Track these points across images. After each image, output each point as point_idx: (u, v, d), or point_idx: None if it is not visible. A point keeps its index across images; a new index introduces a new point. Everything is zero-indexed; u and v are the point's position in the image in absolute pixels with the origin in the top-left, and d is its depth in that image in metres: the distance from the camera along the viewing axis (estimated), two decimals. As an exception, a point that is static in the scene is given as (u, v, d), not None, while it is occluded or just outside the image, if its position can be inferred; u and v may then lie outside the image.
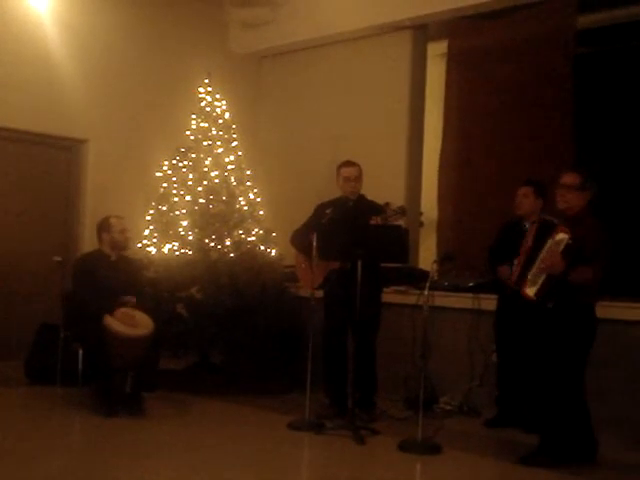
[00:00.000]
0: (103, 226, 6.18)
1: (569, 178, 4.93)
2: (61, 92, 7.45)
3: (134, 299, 5.94)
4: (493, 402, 6.01)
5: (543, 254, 4.86)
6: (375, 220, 5.61)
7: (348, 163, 6.18)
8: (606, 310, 5.28)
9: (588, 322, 4.86)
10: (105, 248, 6.18)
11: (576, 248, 4.70)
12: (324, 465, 5.03)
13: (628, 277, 6.78)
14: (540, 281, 4.86)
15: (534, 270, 4.90)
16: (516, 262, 5.14)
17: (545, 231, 4.93)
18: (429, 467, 4.96)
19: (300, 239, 6.05)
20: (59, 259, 6.79)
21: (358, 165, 6.16)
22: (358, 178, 6.12)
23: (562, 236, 4.78)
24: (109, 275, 6.00)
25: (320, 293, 6.00)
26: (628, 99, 7.62)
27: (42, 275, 7.33)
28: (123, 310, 5.80)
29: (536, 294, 4.88)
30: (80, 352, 6.13)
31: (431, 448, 5.10)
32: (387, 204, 5.89)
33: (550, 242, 4.84)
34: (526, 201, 5.76)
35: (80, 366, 6.15)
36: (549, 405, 4.91)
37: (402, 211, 5.65)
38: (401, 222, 5.75)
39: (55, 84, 7.43)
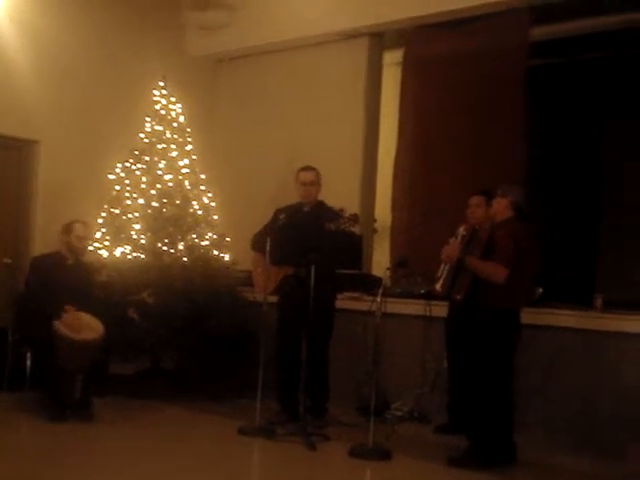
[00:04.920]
0: (66, 228, 6.16)
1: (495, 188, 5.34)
2: (13, 91, 7.30)
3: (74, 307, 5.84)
4: (444, 409, 6.05)
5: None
6: (329, 227, 5.61)
7: (305, 168, 6.18)
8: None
9: (509, 328, 5.04)
10: (64, 250, 6.15)
11: (470, 236, 5.17)
12: (274, 470, 5.03)
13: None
14: (444, 275, 5.27)
15: (441, 266, 5.33)
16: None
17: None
18: (379, 473, 5.00)
19: (259, 243, 6.02)
20: (9, 261, 6.68)
21: (315, 170, 6.15)
22: (314, 182, 6.11)
23: (460, 230, 5.38)
24: (63, 278, 5.95)
25: (274, 298, 5.99)
26: (579, 110, 7.78)
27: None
28: (71, 314, 5.73)
29: (441, 286, 5.31)
30: (28, 355, 6.04)
31: (381, 454, 5.13)
32: (341, 210, 5.90)
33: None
34: (479, 210, 5.85)
35: (28, 370, 6.06)
36: (474, 407, 5.13)
37: (355, 219, 5.65)
38: (354, 229, 5.77)
39: (6, 83, 7.28)
